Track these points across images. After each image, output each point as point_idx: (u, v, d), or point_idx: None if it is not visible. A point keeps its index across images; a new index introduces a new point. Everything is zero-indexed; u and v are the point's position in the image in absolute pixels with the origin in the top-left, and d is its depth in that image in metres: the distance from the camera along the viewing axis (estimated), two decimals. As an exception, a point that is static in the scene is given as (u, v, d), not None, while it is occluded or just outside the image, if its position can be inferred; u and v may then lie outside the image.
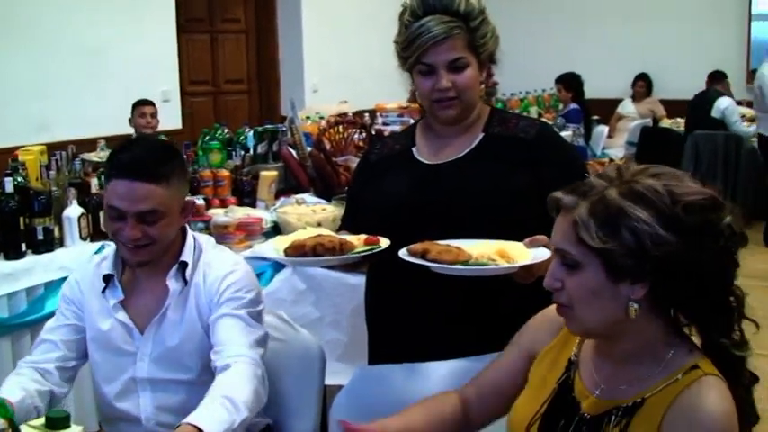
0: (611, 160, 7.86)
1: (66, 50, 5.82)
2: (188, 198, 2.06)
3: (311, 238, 1.81)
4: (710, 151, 7.88)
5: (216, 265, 1.99)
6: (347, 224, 2.11)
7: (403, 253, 1.74)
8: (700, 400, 1.27)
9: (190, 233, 2.04)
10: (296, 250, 1.79)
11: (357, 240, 1.84)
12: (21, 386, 1.89)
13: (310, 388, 2.09)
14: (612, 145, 8.84)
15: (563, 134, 7.62)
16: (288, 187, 3.96)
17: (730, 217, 1.31)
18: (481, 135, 1.98)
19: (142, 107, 5.65)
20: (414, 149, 2.03)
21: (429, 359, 1.84)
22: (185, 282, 1.97)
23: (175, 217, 1.93)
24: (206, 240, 2.08)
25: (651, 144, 8.40)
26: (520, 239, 1.72)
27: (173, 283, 1.96)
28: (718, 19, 9.56)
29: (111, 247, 2.05)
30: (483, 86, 1.98)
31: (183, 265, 1.97)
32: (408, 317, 1.94)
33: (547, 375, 1.48)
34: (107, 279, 2.00)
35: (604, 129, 8.24)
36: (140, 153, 1.90)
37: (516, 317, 1.64)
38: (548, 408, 1.44)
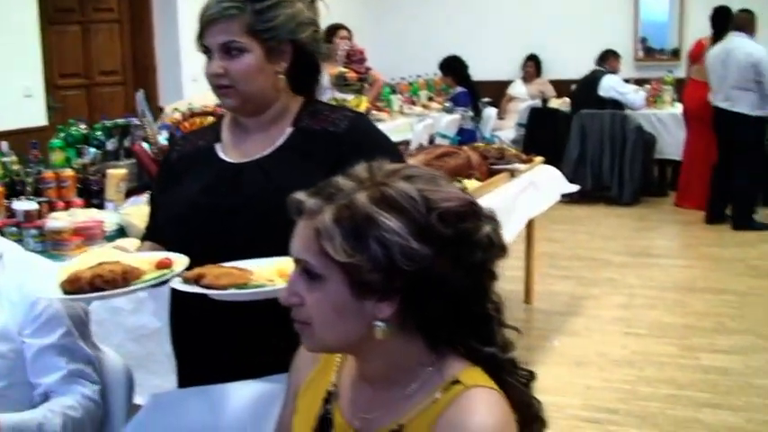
0: (502, 142, 7.86)
1: None
2: None
3: (90, 267, 1.58)
4: (597, 130, 7.93)
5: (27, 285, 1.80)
6: (148, 233, 1.92)
7: (176, 282, 1.57)
8: (464, 416, 1.12)
9: None
10: (72, 285, 1.56)
11: (148, 264, 1.63)
12: None
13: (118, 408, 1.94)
14: (503, 127, 8.85)
15: (451, 118, 7.55)
16: (142, 185, 3.72)
17: (489, 227, 1.16)
18: (290, 129, 1.81)
19: None
20: (218, 146, 1.85)
21: (237, 379, 1.67)
22: None
23: None
24: (10, 249, 1.89)
25: (540, 125, 8.41)
26: None
27: None
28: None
29: None
30: (282, 77, 1.79)
31: None
32: (211, 338, 1.77)
33: (307, 413, 1.32)
34: None
35: (493, 111, 8.19)
36: None
37: None
38: None
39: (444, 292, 1.13)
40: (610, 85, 8.00)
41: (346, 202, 1.13)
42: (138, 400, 2.05)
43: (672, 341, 4.43)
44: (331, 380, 1.31)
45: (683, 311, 4.93)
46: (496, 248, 1.17)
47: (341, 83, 6.28)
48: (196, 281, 1.54)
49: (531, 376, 1.25)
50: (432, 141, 5.88)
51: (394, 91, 7.93)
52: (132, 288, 1.59)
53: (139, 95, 3.94)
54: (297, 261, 1.18)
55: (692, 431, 3.41)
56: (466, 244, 1.13)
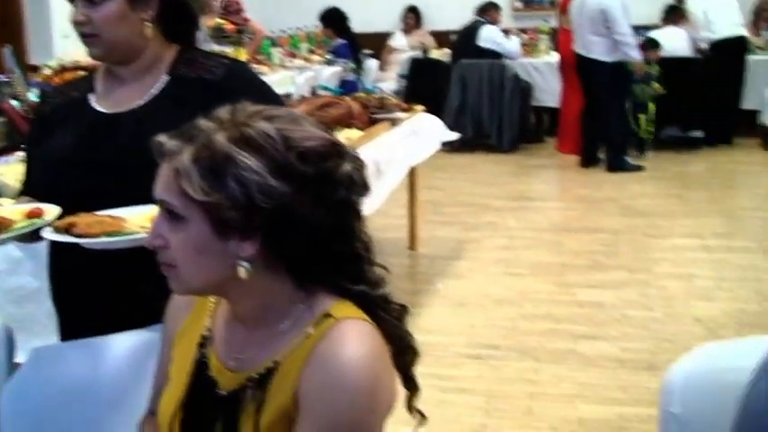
0: (383, 93, 7.92)
1: None
2: None
3: None
4: (476, 80, 8.08)
5: None
6: (25, 189, 1.88)
7: (47, 231, 1.56)
8: (336, 347, 1.15)
9: None
10: None
11: (18, 214, 1.61)
12: None
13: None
14: (385, 78, 8.89)
15: (332, 70, 7.56)
16: (13, 144, 3.60)
17: (351, 165, 1.19)
18: (166, 78, 1.79)
19: None
20: (91, 96, 1.81)
21: (117, 331, 1.67)
22: None
23: None
24: None
25: (421, 75, 8.49)
26: None
27: None
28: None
29: None
30: (149, 24, 1.76)
31: None
32: (88, 290, 1.76)
33: (183, 359, 1.32)
34: None
35: (374, 62, 8.23)
36: None
37: None
38: (186, 396, 1.28)
39: (305, 230, 1.15)
40: (489, 36, 8.14)
41: (205, 142, 1.13)
42: (20, 360, 2.02)
43: (550, 279, 4.61)
44: (205, 324, 1.32)
45: (560, 251, 5.14)
46: (359, 186, 1.20)
47: (218, 35, 6.17)
48: (67, 230, 1.53)
49: (403, 310, 1.28)
50: (314, 94, 5.88)
51: (274, 44, 7.84)
52: (2, 237, 1.56)
53: (7, 52, 3.80)
54: (160, 203, 1.18)
55: (569, 362, 3.57)
56: (327, 182, 1.15)
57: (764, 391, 0.89)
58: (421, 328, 3.81)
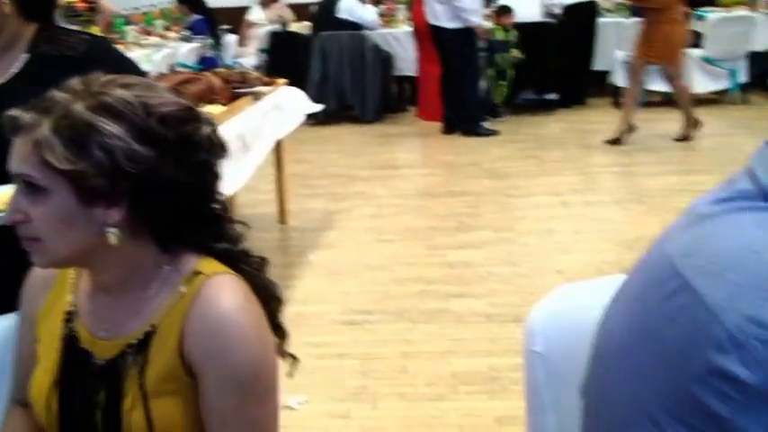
0: (243, 68, 7.84)
1: None
2: None
3: None
4: (337, 51, 8.11)
5: None
6: None
7: None
8: (213, 302, 1.20)
9: None
10: None
11: None
12: None
13: None
14: (245, 53, 8.81)
15: (190, 46, 7.43)
16: None
17: (209, 128, 1.22)
18: (25, 56, 1.75)
19: None
20: None
21: None
22: None
23: None
24: None
25: (281, 49, 8.45)
26: None
27: None
28: None
29: None
30: (7, 2, 1.71)
31: None
32: None
33: (50, 338, 1.31)
34: None
35: (233, 38, 8.13)
36: None
37: None
38: (60, 372, 1.27)
39: (169, 193, 1.18)
40: (347, 7, 8.17)
41: (64, 113, 1.13)
42: None
43: (419, 243, 4.73)
44: (68, 300, 1.31)
45: (428, 215, 5.27)
46: (217, 148, 1.23)
47: (69, 14, 5.97)
48: None
49: (263, 262, 1.33)
50: (172, 71, 5.77)
51: (128, 22, 7.64)
52: None
53: None
54: (17, 177, 1.17)
55: (442, 320, 3.69)
56: (188, 145, 1.18)
57: (607, 329, 0.97)
58: (296, 299, 3.85)
